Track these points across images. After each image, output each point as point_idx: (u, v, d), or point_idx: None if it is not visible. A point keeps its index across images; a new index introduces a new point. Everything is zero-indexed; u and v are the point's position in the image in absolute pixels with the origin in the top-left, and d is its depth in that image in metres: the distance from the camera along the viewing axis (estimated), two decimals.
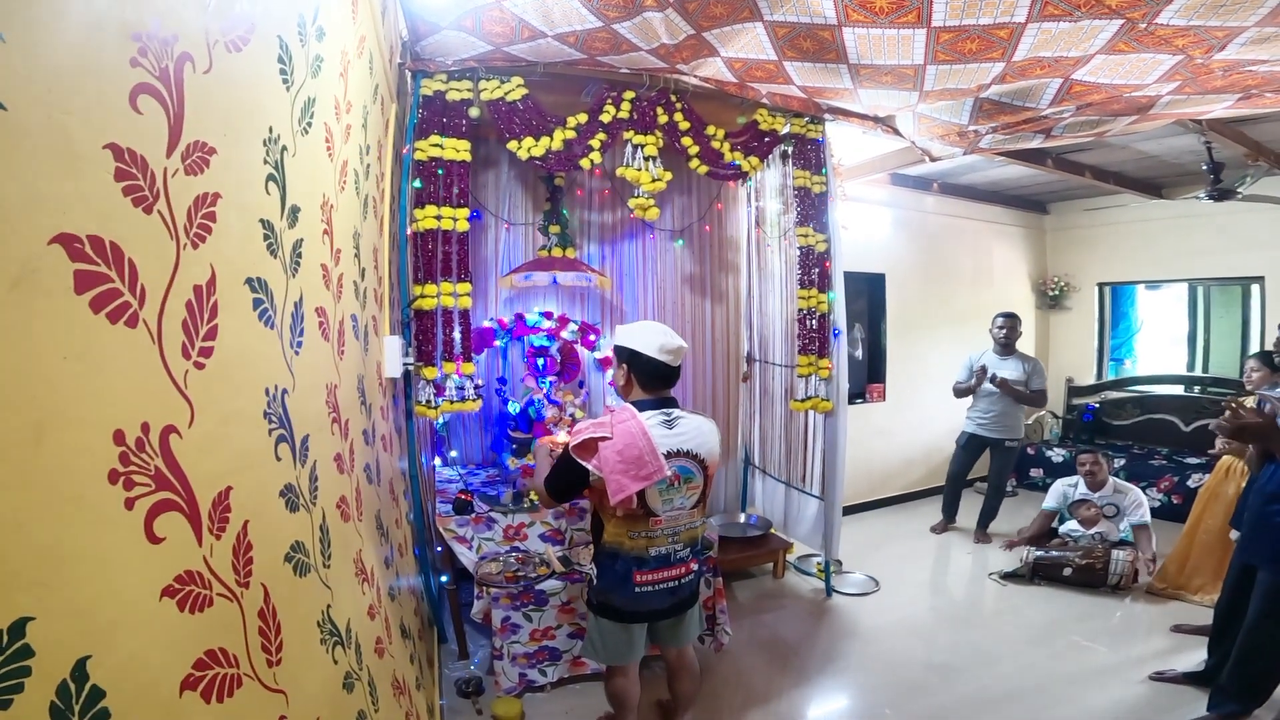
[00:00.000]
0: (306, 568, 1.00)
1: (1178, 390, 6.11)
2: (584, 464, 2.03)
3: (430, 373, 2.74)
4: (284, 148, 1.04)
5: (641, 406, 2.11)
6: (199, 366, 0.70)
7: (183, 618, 0.62)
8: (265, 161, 0.96)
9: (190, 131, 0.71)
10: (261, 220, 0.94)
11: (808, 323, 3.54)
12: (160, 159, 0.65)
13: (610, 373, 3.79)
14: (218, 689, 0.67)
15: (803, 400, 3.61)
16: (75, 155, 0.53)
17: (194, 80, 0.72)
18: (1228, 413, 2.42)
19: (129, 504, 0.56)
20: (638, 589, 2.11)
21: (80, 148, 0.54)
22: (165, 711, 0.59)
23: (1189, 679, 2.83)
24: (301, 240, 1.13)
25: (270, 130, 0.99)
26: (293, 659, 0.88)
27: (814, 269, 3.53)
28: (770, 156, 3.59)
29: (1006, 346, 4.62)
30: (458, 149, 2.84)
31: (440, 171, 2.80)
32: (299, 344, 1.06)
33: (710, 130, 3.27)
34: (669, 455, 2.05)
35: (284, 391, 0.96)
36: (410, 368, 2.66)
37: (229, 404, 0.77)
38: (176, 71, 0.68)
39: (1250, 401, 3.15)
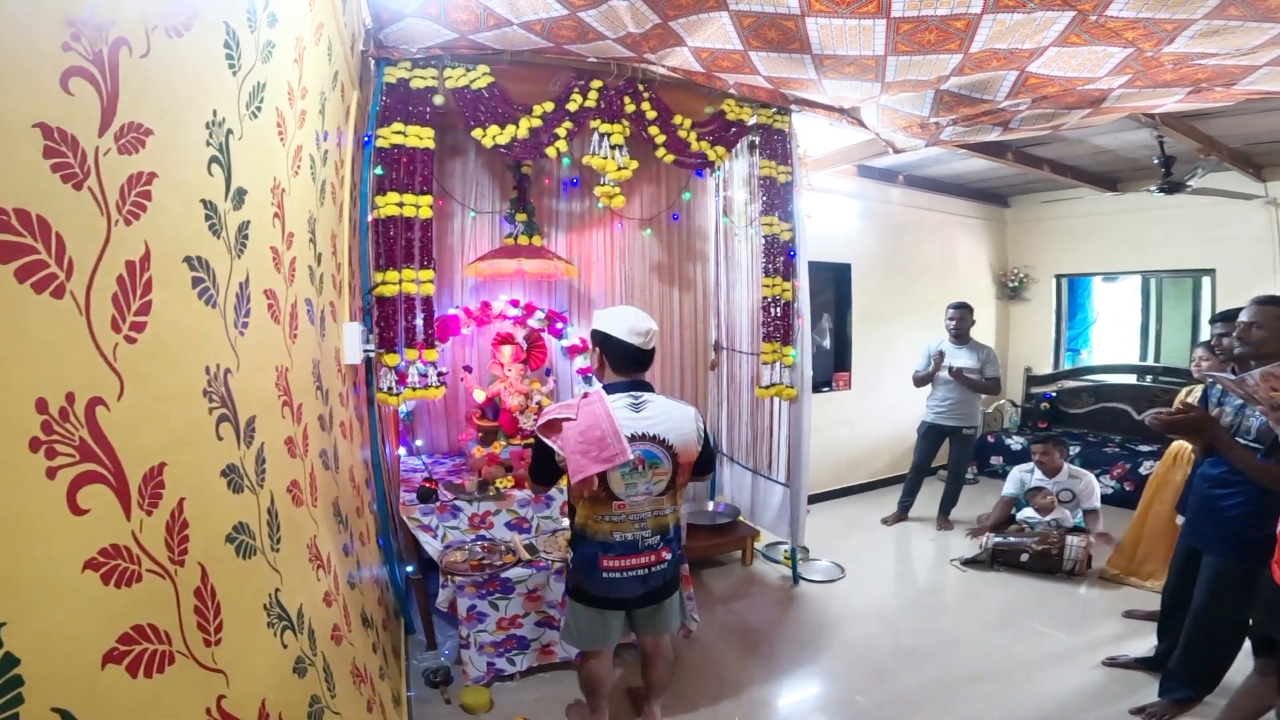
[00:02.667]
0: (252, 550, 0.99)
1: (1131, 379, 6.29)
2: (549, 443, 2.07)
3: (392, 360, 2.72)
4: (229, 131, 1.05)
5: (612, 389, 2.14)
6: (130, 340, 0.69)
7: (107, 591, 0.62)
8: (208, 144, 0.97)
9: (125, 113, 0.72)
10: (203, 200, 0.94)
11: (772, 310, 3.58)
12: (92, 138, 0.66)
13: (579, 360, 3.80)
14: (145, 664, 0.66)
15: (767, 387, 3.65)
16: (2, 132, 0.55)
17: (130, 64, 0.74)
18: (1161, 412, 2.49)
19: (50, 473, 0.56)
20: (605, 574, 2.12)
21: (8, 125, 0.55)
22: (85, 683, 0.58)
23: (1141, 664, 2.90)
24: (249, 222, 1.13)
25: (214, 113, 0.99)
26: (235, 640, 0.87)
27: (779, 257, 3.57)
28: (737, 146, 3.61)
29: (959, 336, 4.72)
30: (421, 136, 2.81)
31: (403, 159, 2.77)
32: (244, 325, 1.06)
33: (677, 120, 3.27)
34: (633, 439, 2.06)
35: (226, 371, 0.95)
36: (371, 354, 2.64)
37: (164, 380, 0.77)
38: (111, 56, 0.70)
39: (1196, 393, 3.25)
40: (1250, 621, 2.27)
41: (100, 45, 0.68)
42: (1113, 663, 2.97)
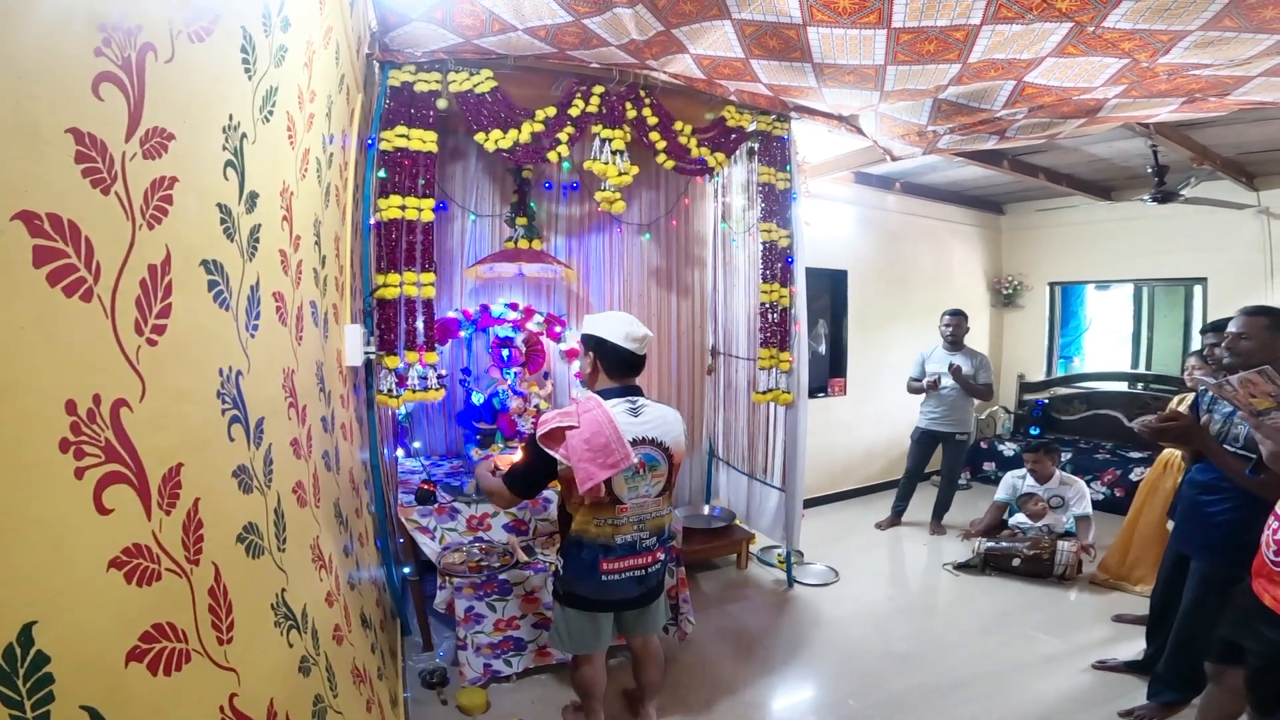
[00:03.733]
0: (260, 550, 1.00)
1: (1122, 387, 6.34)
2: (551, 453, 2.04)
3: (392, 362, 2.73)
4: (244, 135, 1.06)
5: (607, 395, 2.14)
6: (151, 343, 0.71)
7: (130, 590, 0.63)
8: (224, 148, 0.98)
9: (150, 118, 0.73)
10: (219, 204, 0.95)
11: (769, 316, 3.60)
12: (119, 143, 0.67)
13: (577, 363, 3.81)
14: (165, 662, 0.67)
15: (764, 392, 3.67)
16: (39, 138, 0.56)
17: (155, 69, 0.75)
18: (1150, 420, 2.51)
19: (79, 473, 0.57)
20: (604, 577, 2.13)
21: (44, 131, 0.57)
22: (110, 681, 0.59)
23: (1130, 668, 2.93)
24: (259, 225, 1.14)
25: (230, 118, 1.01)
26: (245, 639, 0.88)
27: (776, 264, 3.59)
28: (737, 153, 3.63)
29: (954, 342, 4.76)
30: (424, 140, 2.82)
31: (406, 162, 2.78)
32: (254, 327, 1.07)
33: (678, 126, 3.30)
34: (634, 443, 2.07)
35: (238, 373, 0.96)
36: (372, 357, 2.65)
37: (181, 381, 0.78)
38: (139, 61, 0.71)
39: (1188, 401, 3.28)
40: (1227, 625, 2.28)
41: (129, 50, 0.69)
42: (1102, 666, 3.00)
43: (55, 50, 0.58)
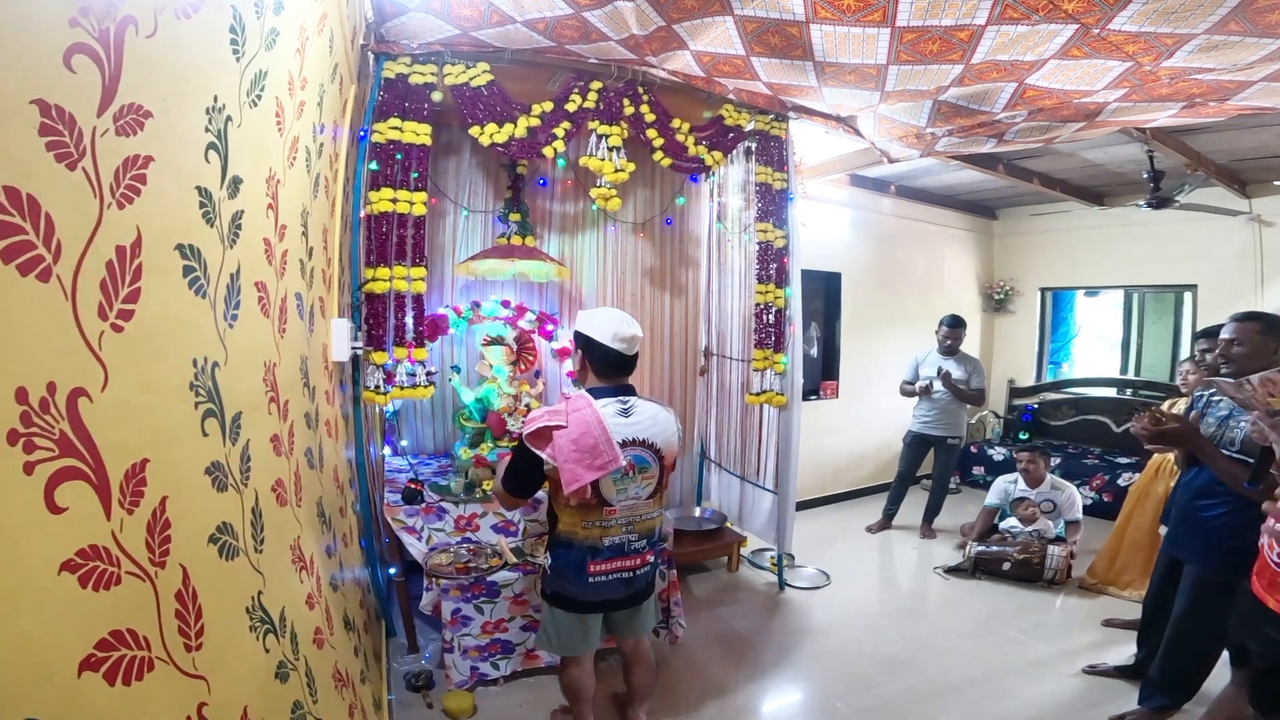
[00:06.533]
0: (235, 551, 0.96)
1: (1110, 393, 6.36)
2: (539, 453, 1.99)
3: (380, 358, 2.67)
4: (229, 118, 1.03)
5: (598, 394, 2.08)
6: (116, 329, 0.66)
7: (85, 595, 0.59)
8: (207, 129, 0.94)
9: (126, 94, 0.70)
10: (198, 188, 0.92)
11: (764, 317, 3.57)
12: (90, 118, 0.64)
13: (569, 362, 3.76)
14: (124, 671, 0.63)
15: (758, 394, 3.64)
16: (0, 108, 0.53)
17: (135, 44, 0.72)
18: (1146, 419, 2.49)
19: (28, 468, 0.53)
20: (591, 579, 2.08)
21: (6, 101, 0.54)
22: (61, 692, 0.55)
23: (1120, 672, 2.93)
24: (242, 212, 1.10)
25: (215, 99, 0.97)
26: (216, 645, 0.84)
27: (772, 264, 3.56)
28: (734, 152, 3.60)
29: (950, 349, 4.75)
30: (418, 133, 2.77)
31: (399, 155, 2.73)
32: (234, 317, 1.02)
33: (676, 123, 3.26)
34: (624, 444, 2.02)
35: (214, 364, 0.92)
36: (359, 352, 2.59)
37: (149, 371, 0.74)
38: (118, 34, 0.68)
39: (1180, 406, 3.28)
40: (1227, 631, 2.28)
41: (108, 23, 0.66)
42: (1093, 670, 2.99)
43: (24, 17, 0.55)
